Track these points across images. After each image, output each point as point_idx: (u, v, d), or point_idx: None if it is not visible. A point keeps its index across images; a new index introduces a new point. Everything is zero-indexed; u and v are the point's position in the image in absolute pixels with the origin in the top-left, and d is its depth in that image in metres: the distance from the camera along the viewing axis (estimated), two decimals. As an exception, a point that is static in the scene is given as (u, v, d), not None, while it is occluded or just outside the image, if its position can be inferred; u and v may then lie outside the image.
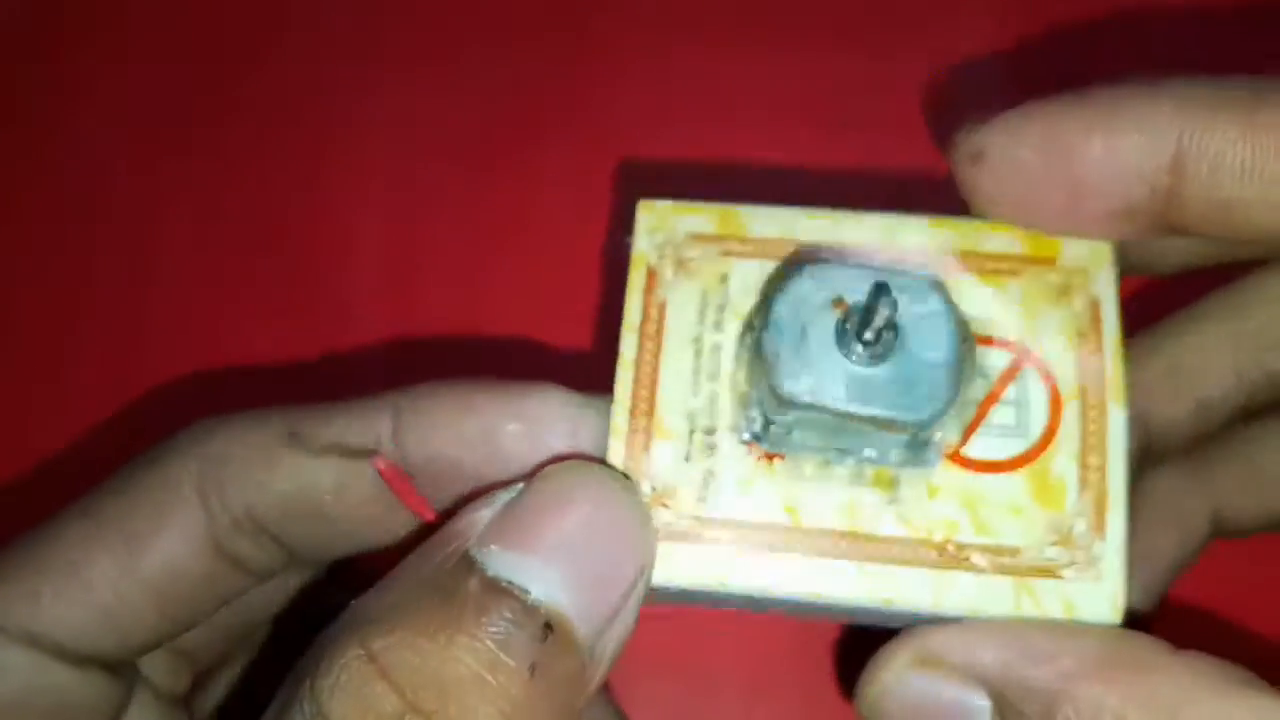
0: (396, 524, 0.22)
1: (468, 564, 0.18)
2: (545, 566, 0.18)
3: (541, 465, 0.20)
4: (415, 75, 0.37)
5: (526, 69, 0.37)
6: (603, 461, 0.20)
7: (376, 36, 0.38)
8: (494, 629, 0.17)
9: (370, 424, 0.21)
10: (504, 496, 0.20)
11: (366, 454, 0.20)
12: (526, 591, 0.18)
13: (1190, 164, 0.20)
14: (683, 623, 0.28)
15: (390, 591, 0.19)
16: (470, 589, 0.18)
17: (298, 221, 0.35)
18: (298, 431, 0.22)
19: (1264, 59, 0.26)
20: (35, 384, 0.34)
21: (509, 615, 0.18)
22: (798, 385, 0.18)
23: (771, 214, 0.21)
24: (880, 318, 0.18)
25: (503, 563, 0.18)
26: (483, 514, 0.19)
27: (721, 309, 0.21)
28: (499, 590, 0.18)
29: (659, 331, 0.21)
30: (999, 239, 0.21)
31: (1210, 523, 0.26)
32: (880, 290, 0.18)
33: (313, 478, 0.22)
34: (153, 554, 0.21)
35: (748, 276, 0.21)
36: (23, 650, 0.21)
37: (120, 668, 0.22)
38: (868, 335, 0.18)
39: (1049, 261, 0.21)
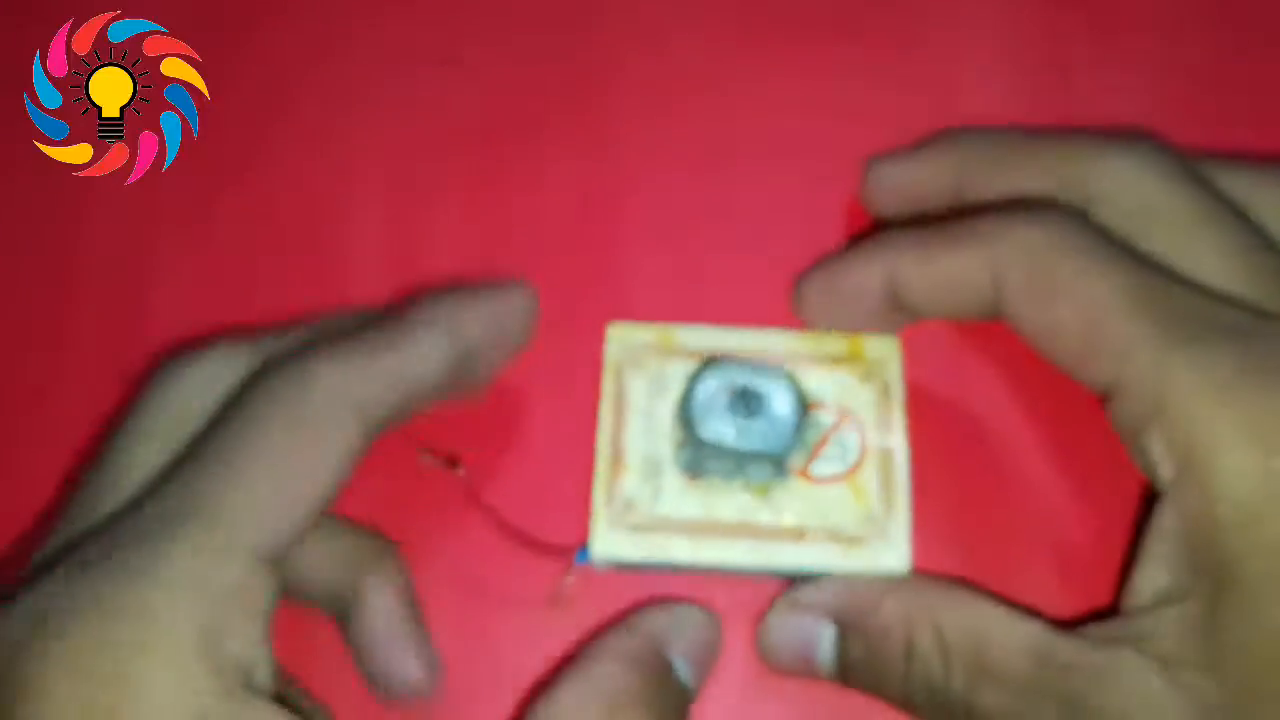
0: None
1: (669, 664, 0.31)
2: (690, 667, 0.31)
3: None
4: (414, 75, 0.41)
5: (527, 67, 0.41)
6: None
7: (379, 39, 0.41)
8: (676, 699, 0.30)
9: (434, 334, 0.31)
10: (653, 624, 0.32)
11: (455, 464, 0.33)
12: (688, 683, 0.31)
13: (897, 285, 0.33)
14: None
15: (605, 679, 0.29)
16: (673, 680, 0.31)
17: (295, 212, 0.39)
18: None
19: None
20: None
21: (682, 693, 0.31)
22: (706, 432, 0.31)
23: (693, 331, 0.34)
24: (752, 397, 0.31)
25: (679, 667, 0.31)
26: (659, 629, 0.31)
27: (661, 391, 0.34)
28: (679, 682, 0.31)
29: (622, 406, 0.33)
30: (831, 343, 0.34)
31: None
32: (749, 390, 0.31)
33: (422, 379, 0.30)
34: (326, 466, 0.28)
35: (675, 372, 0.34)
36: (252, 563, 0.26)
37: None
38: (743, 406, 0.31)
39: (859, 357, 0.34)
